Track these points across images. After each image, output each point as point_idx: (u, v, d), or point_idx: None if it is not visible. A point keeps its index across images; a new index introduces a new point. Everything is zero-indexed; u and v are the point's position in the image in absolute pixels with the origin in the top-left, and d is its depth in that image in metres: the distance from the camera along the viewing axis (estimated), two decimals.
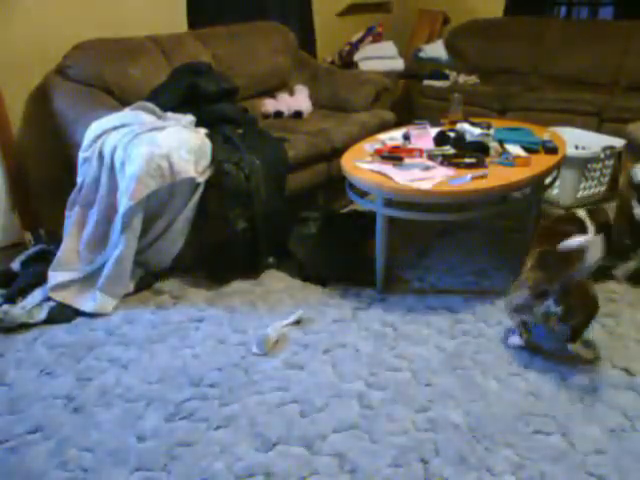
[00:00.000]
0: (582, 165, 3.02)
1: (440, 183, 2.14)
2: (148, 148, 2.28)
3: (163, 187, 2.32)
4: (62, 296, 2.33)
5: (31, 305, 2.29)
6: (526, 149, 2.45)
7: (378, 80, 3.62)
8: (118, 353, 2.07)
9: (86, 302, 2.33)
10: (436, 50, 4.62)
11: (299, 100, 3.51)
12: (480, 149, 2.41)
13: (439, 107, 3.81)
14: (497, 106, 3.95)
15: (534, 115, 3.61)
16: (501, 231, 2.94)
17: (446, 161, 2.32)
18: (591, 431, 1.64)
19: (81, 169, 2.46)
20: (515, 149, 2.44)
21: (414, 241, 2.85)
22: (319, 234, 2.56)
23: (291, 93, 3.62)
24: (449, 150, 2.45)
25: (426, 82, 4.38)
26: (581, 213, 2.25)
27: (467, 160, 2.31)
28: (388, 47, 4.50)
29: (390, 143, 2.59)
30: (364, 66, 4.33)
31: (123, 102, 2.76)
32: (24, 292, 2.36)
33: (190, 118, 2.66)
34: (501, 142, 2.50)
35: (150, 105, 2.63)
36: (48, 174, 2.92)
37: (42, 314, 2.25)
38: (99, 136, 2.41)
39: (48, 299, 2.33)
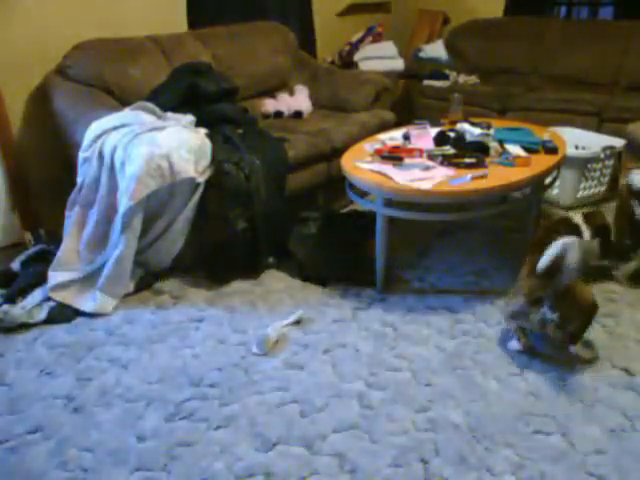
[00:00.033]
0: (582, 165, 3.02)
1: (440, 183, 2.14)
2: (148, 148, 2.28)
3: (163, 187, 2.32)
4: (62, 296, 2.33)
5: (31, 305, 2.29)
6: (526, 149, 2.45)
7: (378, 80, 3.62)
8: (118, 353, 2.07)
9: (86, 302, 2.33)
10: (436, 50, 4.62)
11: (299, 100, 3.51)
12: (480, 149, 2.41)
13: (439, 107, 3.82)
14: (497, 106, 3.95)
15: (534, 115, 3.61)
16: (501, 231, 2.94)
17: (446, 161, 2.32)
18: (591, 431, 1.64)
19: (81, 169, 2.46)
20: (515, 149, 2.44)
21: (414, 241, 2.85)
22: (319, 234, 2.56)
23: (291, 93, 3.62)
24: (449, 150, 2.45)
25: (426, 82, 4.39)
26: (576, 218, 2.25)
27: (467, 160, 2.31)
28: (388, 47, 4.51)
29: (390, 143, 2.59)
30: (364, 66, 4.33)
31: (123, 102, 2.76)
32: (24, 292, 2.36)
33: (190, 118, 2.66)
34: (501, 142, 2.50)
35: (150, 105, 2.63)
36: (48, 174, 2.92)
37: (42, 314, 2.25)
38: (99, 136, 2.41)
39: (48, 299, 2.33)
